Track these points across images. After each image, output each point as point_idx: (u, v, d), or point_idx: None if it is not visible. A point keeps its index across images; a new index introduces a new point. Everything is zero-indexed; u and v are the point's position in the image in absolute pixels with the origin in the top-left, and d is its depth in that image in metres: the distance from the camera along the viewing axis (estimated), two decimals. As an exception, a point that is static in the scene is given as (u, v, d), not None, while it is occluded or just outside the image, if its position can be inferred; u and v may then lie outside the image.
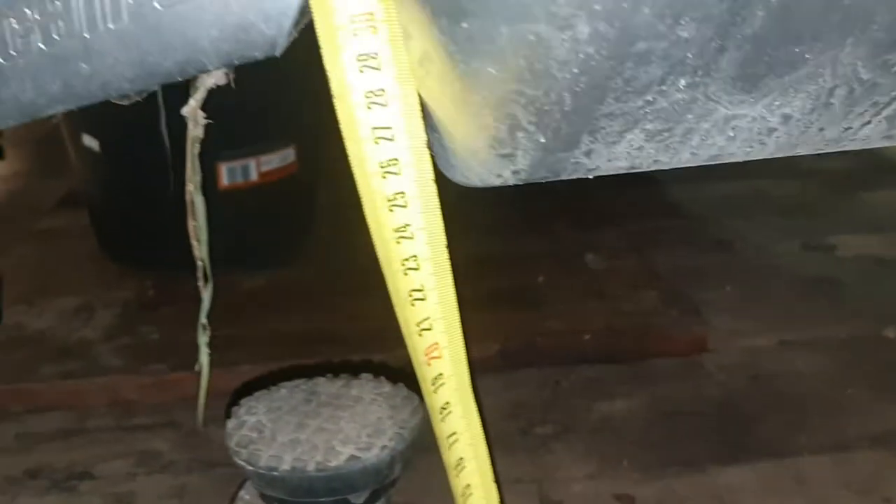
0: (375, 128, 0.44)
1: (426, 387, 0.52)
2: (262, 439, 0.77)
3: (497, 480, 0.56)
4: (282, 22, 0.42)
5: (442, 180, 0.46)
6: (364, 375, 0.88)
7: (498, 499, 0.57)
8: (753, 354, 1.43)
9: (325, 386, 0.85)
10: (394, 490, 0.81)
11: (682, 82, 0.37)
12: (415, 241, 0.47)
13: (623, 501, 1.08)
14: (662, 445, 1.20)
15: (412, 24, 0.40)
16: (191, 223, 0.56)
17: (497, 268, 1.66)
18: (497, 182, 0.46)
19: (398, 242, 0.47)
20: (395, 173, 0.45)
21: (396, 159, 0.45)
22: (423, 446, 0.83)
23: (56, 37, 0.46)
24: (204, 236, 0.56)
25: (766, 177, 2.08)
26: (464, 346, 0.52)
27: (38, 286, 1.72)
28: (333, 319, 1.53)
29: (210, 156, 1.15)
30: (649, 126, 0.40)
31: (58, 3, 0.45)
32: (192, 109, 0.56)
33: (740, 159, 0.47)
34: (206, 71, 0.46)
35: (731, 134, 0.43)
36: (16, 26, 0.46)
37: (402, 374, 0.89)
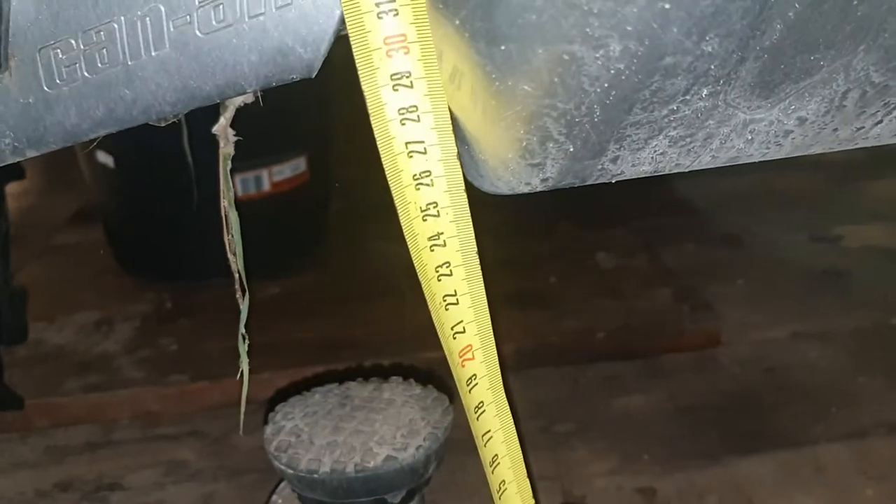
0: (408, 142, 0.46)
1: (461, 387, 0.54)
2: (300, 443, 0.79)
3: (531, 476, 0.58)
4: (319, 46, 0.44)
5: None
6: (394, 378, 0.90)
7: (531, 493, 0.59)
8: (766, 347, 1.45)
9: (357, 390, 0.87)
10: (427, 488, 0.84)
11: (705, 91, 0.39)
12: (447, 248, 0.49)
13: (645, 495, 1.10)
14: (681, 439, 1.21)
15: (444, 42, 0.42)
16: (227, 237, 0.58)
17: (508, 270, 1.68)
18: (525, 189, 0.48)
19: (432, 250, 0.49)
20: (427, 185, 0.47)
21: (429, 171, 0.47)
22: (450, 446, 0.85)
23: (100, 65, 0.48)
24: (240, 249, 0.58)
25: (770, 170, 2.09)
26: (495, 347, 0.54)
27: (57, 302, 1.74)
28: (350, 325, 1.55)
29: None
30: (673, 133, 0.42)
31: (102, 33, 0.47)
32: (222, 127, 0.58)
33: (757, 160, 0.49)
34: (244, 93, 0.48)
35: (750, 137, 0.45)
36: (61, 56, 0.48)
37: (431, 376, 0.92)
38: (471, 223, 0.49)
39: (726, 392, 1.33)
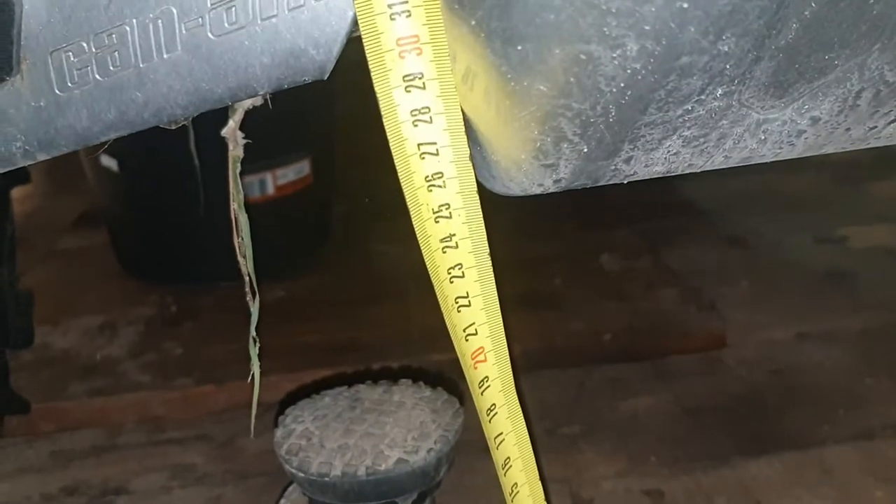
0: (421, 143, 0.46)
1: (474, 389, 0.54)
2: (311, 446, 0.79)
3: (543, 478, 0.58)
4: (331, 47, 0.44)
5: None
6: (403, 381, 0.90)
7: (543, 496, 0.59)
8: (772, 348, 1.44)
9: (366, 392, 0.87)
10: (438, 491, 0.83)
11: (720, 91, 0.39)
12: (459, 250, 0.49)
13: (653, 497, 1.10)
14: (688, 440, 1.21)
15: (457, 43, 0.42)
16: (237, 240, 0.58)
17: (512, 271, 1.66)
18: (538, 190, 0.48)
19: (444, 252, 0.49)
20: (440, 186, 0.47)
21: (441, 173, 0.47)
22: (460, 448, 0.85)
23: (112, 68, 0.48)
24: (250, 252, 0.58)
25: (775, 171, 2.09)
26: (507, 350, 0.54)
27: (61, 305, 1.74)
28: (356, 328, 1.55)
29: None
30: (687, 133, 0.42)
31: (114, 36, 0.47)
32: (231, 130, 0.59)
33: (770, 160, 0.49)
34: (256, 96, 0.48)
35: (763, 137, 0.45)
36: (73, 59, 0.48)
37: (441, 378, 0.92)
38: (483, 225, 0.49)
39: (733, 393, 1.33)
